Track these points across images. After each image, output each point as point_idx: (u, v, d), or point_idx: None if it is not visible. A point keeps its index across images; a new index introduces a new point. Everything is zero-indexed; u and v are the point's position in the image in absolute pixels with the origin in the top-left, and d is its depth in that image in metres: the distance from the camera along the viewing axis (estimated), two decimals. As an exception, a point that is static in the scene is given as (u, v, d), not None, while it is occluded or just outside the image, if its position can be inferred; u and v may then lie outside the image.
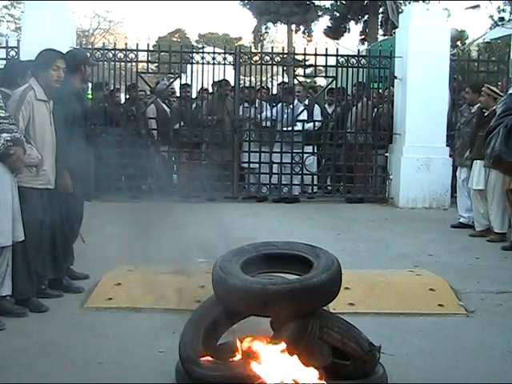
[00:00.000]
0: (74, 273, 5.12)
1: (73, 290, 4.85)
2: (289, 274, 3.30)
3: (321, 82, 18.44)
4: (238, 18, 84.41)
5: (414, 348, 3.88)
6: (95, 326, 4.17)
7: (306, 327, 3.00)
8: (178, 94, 9.97)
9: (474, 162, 7.07)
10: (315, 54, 9.48)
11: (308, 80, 16.54)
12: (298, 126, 9.49)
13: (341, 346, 3.09)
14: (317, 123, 9.59)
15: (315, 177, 9.68)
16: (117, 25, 31.78)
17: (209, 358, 3.05)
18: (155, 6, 64.55)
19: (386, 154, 9.63)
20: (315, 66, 9.73)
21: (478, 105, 7.23)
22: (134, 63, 9.40)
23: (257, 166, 9.50)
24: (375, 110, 9.74)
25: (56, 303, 4.57)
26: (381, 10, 24.15)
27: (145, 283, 4.75)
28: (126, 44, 10.05)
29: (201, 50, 10.24)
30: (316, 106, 9.65)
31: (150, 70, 10.25)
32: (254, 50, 11.84)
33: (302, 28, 28.19)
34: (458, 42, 20.47)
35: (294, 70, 10.18)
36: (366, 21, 25.61)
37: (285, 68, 10.31)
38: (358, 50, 11.01)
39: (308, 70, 10.93)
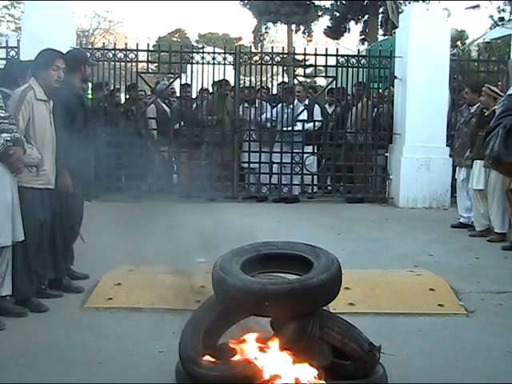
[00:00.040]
0: (74, 273, 5.12)
1: (73, 290, 4.85)
2: (289, 274, 3.29)
3: (321, 81, 18.47)
4: (238, 18, 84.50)
5: (414, 348, 3.88)
6: (95, 325, 4.18)
7: (306, 327, 3.00)
8: (178, 94, 9.97)
9: (474, 161, 7.07)
10: (315, 54, 9.48)
11: (308, 80, 16.55)
12: (298, 126, 9.49)
13: (341, 345, 3.09)
14: (317, 123, 9.59)
15: (315, 177, 9.67)
16: (117, 25, 31.80)
17: (209, 358, 3.05)
18: (155, 5, 64.62)
19: (386, 154, 9.64)
20: (315, 65, 9.73)
21: (478, 105, 7.24)
22: (134, 63, 9.41)
23: (257, 165, 9.50)
24: (375, 109, 9.74)
25: (56, 303, 4.57)
26: (381, 10, 24.14)
27: (145, 283, 4.77)
28: (126, 44, 10.05)
29: (201, 50, 10.22)
30: (316, 105, 9.65)
31: (149, 70, 10.24)
32: (254, 50, 11.87)
33: (302, 28, 28.19)
34: (458, 42, 20.48)
35: (294, 70, 10.19)
36: (366, 21, 25.60)
37: (285, 68, 10.31)
38: (358, 50, 11.02)
39: (308, 70, 10.94)
